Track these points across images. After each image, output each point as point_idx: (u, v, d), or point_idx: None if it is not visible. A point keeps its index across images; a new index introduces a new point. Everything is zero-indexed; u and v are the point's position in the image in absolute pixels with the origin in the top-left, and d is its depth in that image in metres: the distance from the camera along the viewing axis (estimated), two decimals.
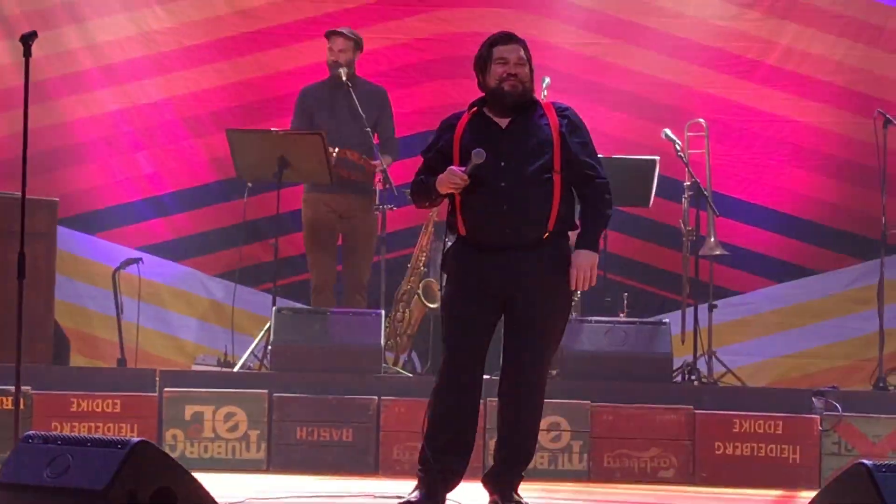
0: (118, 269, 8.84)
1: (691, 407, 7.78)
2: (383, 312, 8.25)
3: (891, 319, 8.76)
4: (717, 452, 7.69)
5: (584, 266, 5.52)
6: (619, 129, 9.50)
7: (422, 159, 5.77)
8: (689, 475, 7.68)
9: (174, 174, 9.78)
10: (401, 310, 8.71)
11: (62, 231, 8.79)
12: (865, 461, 4.59)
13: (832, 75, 9.64)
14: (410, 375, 8.41)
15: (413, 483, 5.66)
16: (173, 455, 6.71)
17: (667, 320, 8.38)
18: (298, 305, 9.02)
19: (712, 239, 8.72)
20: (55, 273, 8.44)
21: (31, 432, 4.75)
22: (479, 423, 5.73)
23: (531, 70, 5.62)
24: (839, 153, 9.66)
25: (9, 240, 6.92)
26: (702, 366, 8.43)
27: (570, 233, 5.65)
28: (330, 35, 8.63)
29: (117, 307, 8.77)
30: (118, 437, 4.60)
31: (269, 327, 8.17)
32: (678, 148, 8.57)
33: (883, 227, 8.61)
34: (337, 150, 8.33)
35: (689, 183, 8.62)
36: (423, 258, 8.69)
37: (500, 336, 5.65)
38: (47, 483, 4.47)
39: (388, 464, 7.63)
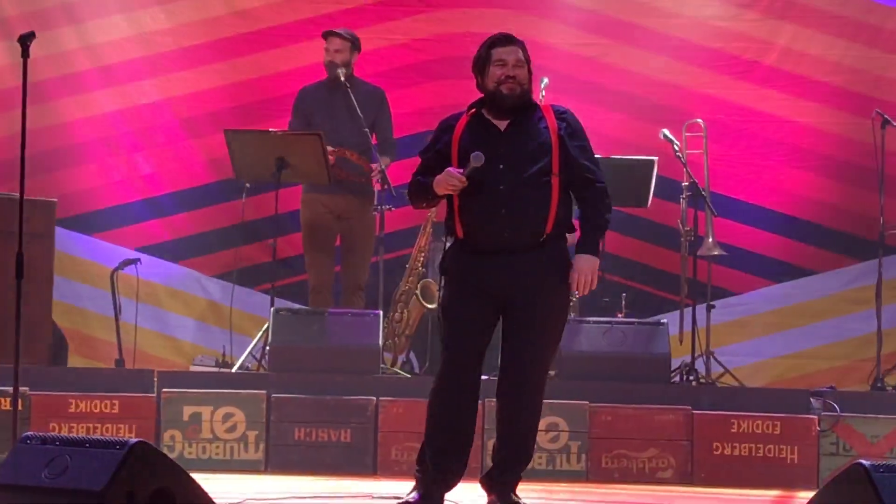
0: (116, 269, 8.84)
1: (689, 407, 7.78)
2: (381, 313, 8.25)
3: (889, 320, 8.76)
4: (715, 453, 7.69)
5: (586, 270, 5.54)
6: (618, 129, 9.50)
7: (420, 160, 5.77)
8: (688, 475, 7.68)
9: (172, 175, 9.78)
10: (399, 310, 8.71)
11: (60, 232, 8.79)
12: (863, 461, 4.59)
13: (830, 75, 9.64)
14: (409, 376, 8.41)
15: (411, 483, 5.67)
16: (171, 456, 6.71)
17: (665, 321, 8.37)
18: (296, 306, 9.01)
19: (710, 239, 8.72)
20: (53, 274, 8.44)
21: (29, 433, 4.74)
22: (477, 424, 5.74)
23: (530, 72, 5.63)
24: (837, 153, 9.66)
25: (7, 240, 6.93)
26: (700, 366, 8.43)
27: (567, 234, 5.67)
28: (326, 35, 8.63)
29: (115, 308, 8.77)
30: (116, 438, 4.60)
31: (268, 328, 8.17)
32: (676, 148, 8.58)
33: (881, 227, 8.61)
34: (337, 149, 8.33)
35: (687, 183, 8.62)
36: (422, 258, 8.69)
37: (499, 336, 5.65)
38: (45, 484, 4.47)
39: (387, 464, 7.63)
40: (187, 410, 7.66)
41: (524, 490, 5.73)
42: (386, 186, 8.31)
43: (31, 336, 7.83)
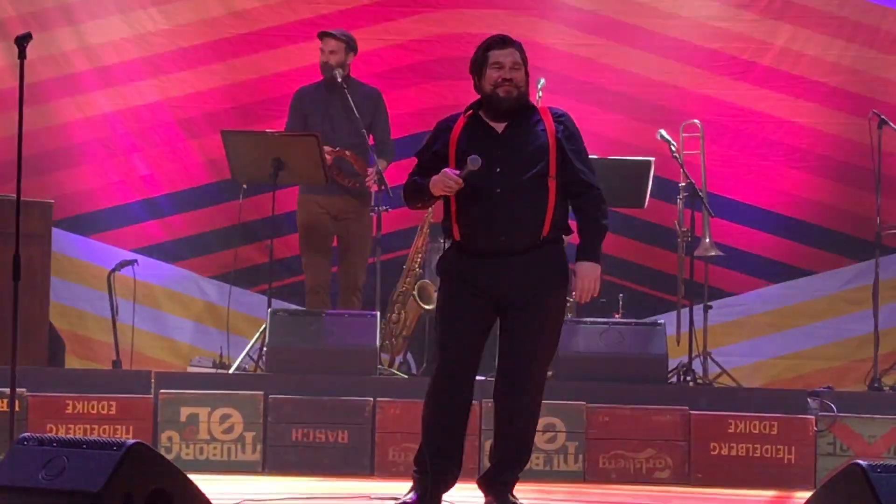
0: (113, 270, 8.84)
1: (686, 408, 7.78)
2: (378, 314, 8.25)
3: (886, 320, 8.77)
4: (712, 453, 7.70)
5: (588, 277, 5.55)
6: (614, 129, 9.50)
7: (416, 160, 5.77)
8: (685, 476, 7.68)
9: (169, 176, 9.77)
10: (396, 311, 8.70)
11: (57, 233, 8.79)
12: (861, 462, 4.60)
13: (827, 76, 9.65)
14: (406, 377, 8.40)
15: (409, 484, 5.66)
16: (169, 457, 6.69)
17: (662, 321, 8.37)
18: (294, 307, 9.01)
19: (707, 240, 8.73)
20: (50, 275, 8.43)
21: (26, 434, 4.74)
22: (475, 425, 5.74)
23: (527, 74, 5.61)
24: (834, 154, 9.67)
25: (4, 242, 6.94)
26: (697, 367, 8.43)
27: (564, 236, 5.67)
28: (321, 36, 8.63)
29: (112, 309, 8.77)
30: (114, 439, 4.59)
31: (265, 329, 8.17)
32: (673, 149, 8.58)
33: (877, 227, 8.62)
34: (335, 149, 8.33)
35: (684, 184, 8.62)
36: (419, 259, 8.68)
37: (497, 337, 5.66)
38: (43, 485, 4.47)
39: (384, 465, 7.62)
40: (184, 411, 7.66)
41: (521, 490, 5.73)
42: (383, 187, 8.32)
43: (28, 337, 7.83)
